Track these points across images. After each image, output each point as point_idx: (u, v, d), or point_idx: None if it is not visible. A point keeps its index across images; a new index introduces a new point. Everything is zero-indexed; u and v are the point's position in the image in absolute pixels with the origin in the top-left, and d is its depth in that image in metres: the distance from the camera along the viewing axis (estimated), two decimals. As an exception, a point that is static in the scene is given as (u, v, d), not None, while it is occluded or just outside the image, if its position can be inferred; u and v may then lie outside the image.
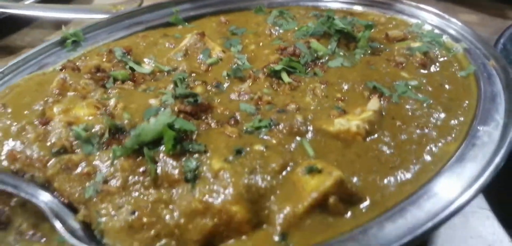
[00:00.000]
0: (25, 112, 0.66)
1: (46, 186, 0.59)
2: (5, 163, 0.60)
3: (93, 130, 0.62)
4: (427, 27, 0.94)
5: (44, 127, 0.63)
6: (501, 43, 0.98)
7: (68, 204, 0.59)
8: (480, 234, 0.69)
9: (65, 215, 0.57)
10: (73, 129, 0.62)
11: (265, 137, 0.63)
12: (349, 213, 0.54)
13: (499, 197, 0.75)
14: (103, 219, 0.56)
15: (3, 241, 0.53)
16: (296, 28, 0.89)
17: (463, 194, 0.53)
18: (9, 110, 0.66)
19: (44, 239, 0.56)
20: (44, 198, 0.57)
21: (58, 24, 1.20)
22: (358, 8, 1.02)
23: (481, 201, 0.75)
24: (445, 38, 0.90)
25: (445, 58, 0.84)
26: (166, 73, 0.79)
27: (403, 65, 0.81)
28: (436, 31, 0.92)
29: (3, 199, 0.57)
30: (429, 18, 0.96)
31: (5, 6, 1.05)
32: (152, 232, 0.54)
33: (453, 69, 0.82)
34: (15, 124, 0.64)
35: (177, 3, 0.97)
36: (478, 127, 0.65)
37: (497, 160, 0.57)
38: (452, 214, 0.51)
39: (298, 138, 0.63)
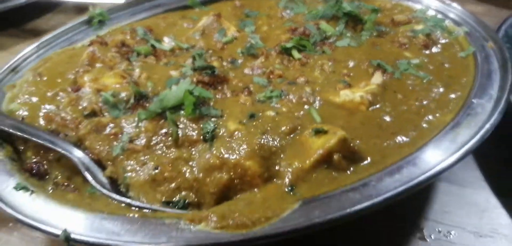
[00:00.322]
0: (59, 80, 0.73)
1: (78, 144, 0.66)
2: (43, 123, 0.67)
3: (120, 96, 0.69)
4: (431, 12, 0.99)
5: (76, 93, 0.70)
6: (503, 30, 1.02)
7: (97, 161, 0.65)
8: (475, 202, 0.75)
9: (95, 170, 0.64)
10: (102, 94, 0.69)
11: (276, 105, 0.69)
12: (351, 169, 0.60)
13: (493, 168, 0.80)
14: (129, 174, 0.62)
15: (42, 189, 0.59)
16: (306, 12, 0.95)
17: (454, 154, 0.58)
18: (45, 78, 0.73)
19: (76, 190, 0.63)
20: (77, 154, 0.64)
21: (78, 9, 1.28)
22: (365, -5, 1.06)
23: (476, 172, 0.80)
24: (447, 22, 0.94)
25: (447, 40, 0.89)
26: (185, 50, 0.85)
27: (406, 46, 0.86)
28: (439, 16, 0.97)
29: (41, 153, 0.64)
30: (432, 4, 1.00)
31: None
32: (173, 185, 0.61)
33: (453, 51, 0.86)
34: (50, 90, 0.71)
35: (196, -14, 1.03)
36: (473, 100, 0.70)
37: (487, 126, 0.63)
38: (443, 170, 0.56)
39: (306, 107, 0.69)
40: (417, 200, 0.74)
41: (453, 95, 0.74)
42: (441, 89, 0.75)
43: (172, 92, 0.66)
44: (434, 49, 0.87)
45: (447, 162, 0.57)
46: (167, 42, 0.89)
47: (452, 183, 0.78)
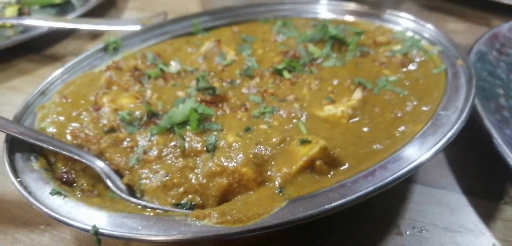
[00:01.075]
0: (81, 101, 0.85)
1: (100, 156, 0.77)
2: (69, 139, 0.78)
3: (134, 114, 0.80)
4: (409, 33, 1.10)
5: (97, 112, 0.81)
6: (476, 47, 1.13)
7: (116, 170, 0.76)
8: (446, 201, 0.85)
9: (114, 178, 0.75)
10: (119, 113, 0.80)
11: (268, 120, 0.80)
12: (331, 173, 0.70)
13: (464, 171, 0.90)
14: (143, 181, 0.73)
15: (71, 194, 0.70)
16: (297, 36, 1.06)
17: (419, 158, 0.69)
18: (69, 100, 0.85)
19: (99, 196, 0.73)
20: (99, 164, 0.75)
21: (94, 35, 1.40)
22: (350, 18, 1.18)
23: (449, 175, 0.90)
24: (423, 42, 1.06)
25: (423, 58, 1.00)
26: (190, 73, 0.96)
27: (386, 64, 0.97)
28: (417, 37, 1.08)
29: (69, 164, 0.76)
30: (410, 25, 1.11)
31: (51, 21, 1.24)
32: (181, 189, 0.71)
33: (428, 67, 0.97)
34: (74, 110, 0.82)
35: (198, 16, 1.14)
36: (440, 112, 0.81)
37: (450, 134, 0.73)
38: (409, 172, 0.67)
39: (294, 121, 0.80)
40: (394, 201, 0.84)
41: (425, 108, 0.84)
42: (415, 103, 0.86)
43: (179, 110, 0.77)
44: (411, 67, 0.98)
45: (413, 165, 0.68)
46: (174, 66, 1.00)
47: (426, 185, 0.88)
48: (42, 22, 1.24)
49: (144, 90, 0.87)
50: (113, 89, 0.87)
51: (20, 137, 0.74)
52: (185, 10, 1.56)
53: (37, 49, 1.31)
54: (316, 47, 1.01)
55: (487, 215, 0.81)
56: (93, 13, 1.48)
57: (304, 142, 0.72)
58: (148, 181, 0.73)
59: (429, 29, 1.07)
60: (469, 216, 0.82)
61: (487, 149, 0.83)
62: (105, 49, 1.03)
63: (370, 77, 0.93)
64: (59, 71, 0.93)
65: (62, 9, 1.53)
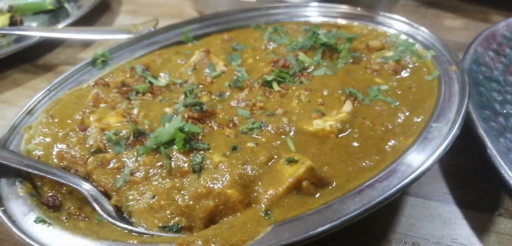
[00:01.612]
0: (68, 121, 0.84)
1: (87, 178, 0.77)
2: (55, 161, 0.78)
3: (121, 134, 0.79)
4: (403, 37, 1.08)
5: (83, 132, 0.80)
6: (472, 48, 1.11)
7: (104, 192, 0.76)
8: (439, 213, 0.83)
9: (102, 200, 0.74)
10: (106, 133, 0.79)
11: (256, 136, 0.79)
12: (318, 194, 0.69)
13: (458, 181, 0.89)
14: (131, 203, 0.72)
15: (57, 219, 0.70)
16: (288, 43, 1.05)
17: (406, 179, 0.67)
18: (56, 120, 0.84)
19: (86, 219, 0.73)
20: (86, 187, 0.74)
21: (86, 44, 1.39)
22: (343, 21, 1.16)
23: (442, 185, 0.89)
24: (417, 46, 1.04)
25: (416, 64, 0.98)
26: (178, 85, 0.95)
27: (378, 72, 0.96)
28: (410, 40, 1.06)
29: (56, 187, 0.75)
30: (404, 28, 1.09)
31: (42, 31, 1.23)
32: (168, 211, 0.70)
33: (421, 74, 0.95)
34: (61, 131, 0.82)
35: (187, 23, 1.13)
36: (432, 124, 0.79)
37: (439, 151, 0.72)
38: (395, 193, 0.66)
39: (283, 136, 0.79)
40: (386, 215, 0.83)
41: (416, 119, 0.82)
42: (407, 113, 0.84)
43: (165, 130, 0.76)
44: (404, 73, 0.96)
45: (399, 186, 0.66)
46: (163, 77, 0.99)
47: (419, 196, 0.87)
48: (33, 32, 1.23)
49: (132, 107, 0.86)
50: (100, 107, 0.86)
51: (5, 162, 0.73)
52: (178, 12, 1.55)
53: (29, 58, 1.30)
54: (307, 56, 0.99)
55: (481, 228, 0.80)
56: (87, 18, 1.47)
57: (291, 161, 0.71)
58: (135, 203, 0.72)
59: (423, 32, 1.05)
60: (462, 229, 0.81)
61: (481, 157, 0.81)
62: (93, 63, 1.01)
63: (361, 86, 0.91)
64: (46, 88, 0.92)
65: (55, 15, 1.52)
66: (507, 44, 1.18)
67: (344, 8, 1.17)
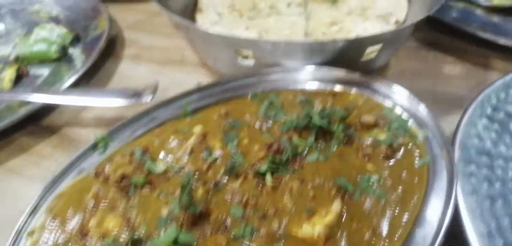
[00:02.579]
0: (69, 223, 0.89)
1: (88, 285, 0.82)
2: (58, 270, 0.83)
3: (119, 240, 0.84)
4: (398, 110, 1.09)
5: (83, 240, 0.85)
6: (466, 116, 1.12)
7: None
8: None
9: None
10: (105, 240, 0.84)
11: (247, 242, 0.82)
12: None
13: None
14: None
15: None
16: (282, 121, 1.07)
17: None
18: (57, 221, 0.89)
19: None
20: None
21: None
22: (339, 88, 1.17)
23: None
24: (411, 122, 1.05)
25: (408, 146, 1.00)
26: (176, 173, 0.99)
27: (370, 156, 0.98)
28: (405, 114, 1.07)
29: None
30: (399, 100, 1.10)
31: (45, 95, 1.27)
32: None
33: (412, 158, 0.97)
34: (62, 234, 0.87)
35: (186, 95, 1.16)
36: (416, 230, 0.82)
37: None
38: None
39: (274, 244, 0.82)
40: None
41: (404, 219, 0.85)
42: (396, 211, 0.86)
43: (159, 241, 0.81)
44: (396, 157, 0.98)
45: None
46: (162, 158, 1.03)
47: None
48: (36, 98, 1.27)
49: (130, 206, 0.90)
50: (100, 208, 0.90)
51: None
52: (180, 59, 1.57)
53: (33, 119, 1.34)
54: (301, 136, 1.02)
55: None
56: (94, 66, 1.50)
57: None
58: None
59: (420, 109, 1.05)
60: None
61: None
62: (94, 147, 1.05)
63: (352, 174, 0.94)
64: (49, 180, 0.97)
65: (60, 65, 1.56)
66: (502, 107, 1.18)
67: (340, 73, 1.18)
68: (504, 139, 1.11)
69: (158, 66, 1.56)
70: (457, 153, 1.01)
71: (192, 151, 1.03)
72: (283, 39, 1.30)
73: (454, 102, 1.30)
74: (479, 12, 1.69)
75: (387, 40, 1.17)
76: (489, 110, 1.17)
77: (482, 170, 1.01)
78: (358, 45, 1.15)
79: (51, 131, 1.31)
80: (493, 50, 1.48)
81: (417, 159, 0.97)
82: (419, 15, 1.40)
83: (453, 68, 1.46)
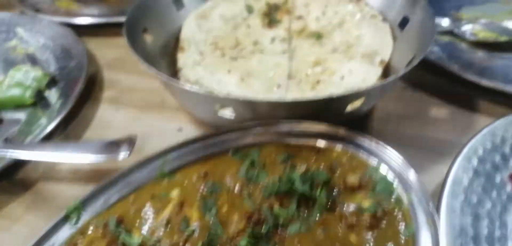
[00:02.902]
0: None
1: None
2: None
3: None
4: (383, 170, 1.05)
5: None
6: (452, 174, 1.08)
7: None
8: None
9: None
10: None
11: None
12: None
13: None
14: None
15: None
16: (263, 186, 1.03)
17: None
18: None
19: None
20: None
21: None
22: (323, 143, 1.14)
23: None
24: (396, 184, 1.02)
25: (394, 212, 0.97)
26: (151, 246, 0.94)
27: (353, 227, 0.94)
28: (390, 174, 1.04)
29: None
30: (387, 158, 1.06)
31: (18, 151, 1.21)
32: None
33: (396, 226, 0.94)
34: None
35: (163, 154, 1.11)
36: None
37: None
38: None
39: None
40: None
41: None
42: (378, 293, 0.83)
43: None
44: (380, 226, 0.95)
45: None
46: (137, 227, 0.98)
47: None
48: (8, 153, 1.21)
49: (102, 292, 0.86)
50: (71, 293, 0.86)
51: None
52: (160, 102, 1.52)
53: (6, 173, 1.28)
54: (281, 208, 0.98)
55: None
56: (71, 110, 1.45)
57: None
58: None
59: (410, 173, 1.01)
60: None
61: None
62: (66, 218, 1.00)
63: (335, 247, 0.91)
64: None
65: (36, 111, 1.50)
66: (486, 159, 1.15)
67: (323, 127, 1.15)
68: (490, 194, 1.10)
69: (137, 111, 1.50)
70: (443, 217, 0.98)
71: (168, 222, 0.98)
72: (261, 97, 1.25)
73: (441, 149, 1.28)
74: (464, 46, 1.67)
75: (370, 95, 1.14)
76: (475, 162, 1.14)
77: (468, 229, 0.99)
78: (341, 100, 1.12)
79: (25, 186, 1.25)
80: (477, 90, 1.45)
81: (402, 227, 0.94)
82: (404, 55, 1.38)
83: (438, 111, 1.44)
